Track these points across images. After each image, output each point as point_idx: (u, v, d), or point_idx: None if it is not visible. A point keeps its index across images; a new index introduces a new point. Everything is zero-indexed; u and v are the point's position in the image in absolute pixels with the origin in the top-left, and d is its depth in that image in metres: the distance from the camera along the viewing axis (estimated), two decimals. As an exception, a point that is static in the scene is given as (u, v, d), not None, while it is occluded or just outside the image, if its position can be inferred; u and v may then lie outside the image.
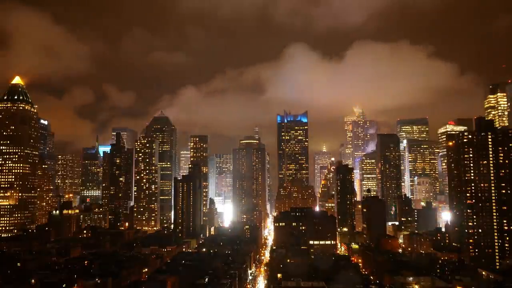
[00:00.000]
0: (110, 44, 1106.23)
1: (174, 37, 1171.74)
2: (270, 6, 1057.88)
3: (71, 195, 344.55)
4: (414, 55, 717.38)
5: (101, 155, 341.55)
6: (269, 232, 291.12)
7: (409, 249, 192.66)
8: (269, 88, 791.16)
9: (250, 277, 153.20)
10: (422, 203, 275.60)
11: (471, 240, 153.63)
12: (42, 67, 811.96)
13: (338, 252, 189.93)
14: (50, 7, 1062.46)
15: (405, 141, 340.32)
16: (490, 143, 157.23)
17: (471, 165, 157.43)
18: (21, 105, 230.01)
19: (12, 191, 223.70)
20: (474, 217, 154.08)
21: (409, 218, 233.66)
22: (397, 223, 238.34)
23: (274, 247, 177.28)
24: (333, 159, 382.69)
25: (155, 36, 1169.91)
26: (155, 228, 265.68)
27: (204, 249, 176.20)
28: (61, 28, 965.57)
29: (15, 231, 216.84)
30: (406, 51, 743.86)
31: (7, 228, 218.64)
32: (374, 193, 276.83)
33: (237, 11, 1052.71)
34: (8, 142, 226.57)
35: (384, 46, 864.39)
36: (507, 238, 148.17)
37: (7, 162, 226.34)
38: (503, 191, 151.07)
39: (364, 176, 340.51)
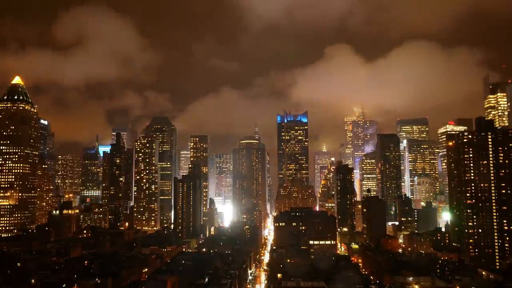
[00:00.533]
0: (176, 52, 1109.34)
1: (239, 46, 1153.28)
2: (350, 17, 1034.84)
3: (71, 195, 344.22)
4: (463, 61, 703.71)
5: (101, 155, 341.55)
6: (269, 232, 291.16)
7: (409, 249, 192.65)
8: (299, 90, 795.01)
9: (250, 277, 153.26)
10: (422, 203, 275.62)
11: (471, 240, 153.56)
12: (109, 70, 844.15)
13: (338, 252, 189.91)
14: (136, 16, 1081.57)
15: (405, 141, 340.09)
16: (490, 143, 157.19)
17: (471, 165, 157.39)
18: (21, 105, 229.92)
19: (12, 191, 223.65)
20: (474, 217, 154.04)
21: (409, 218, 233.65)
22: (397, 223, 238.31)
23: (274, 247, 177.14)
24: (333, 159, 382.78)
25: (221, 45, 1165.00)
26: (155, 228, 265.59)
27: (204, 249, 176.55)
28: (137, 35, 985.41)
29: (15, 231, 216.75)
30: (458, 57, 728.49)
31: (7, 228, 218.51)
32: (374, 193, 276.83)
33: (313, 24, 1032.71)
34: (8, 142, 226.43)
35: (436, 50, 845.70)
36: (507, 238, 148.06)
37: (7, 162, 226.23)
38: (503, 191, 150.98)
39: (364, 176, 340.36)
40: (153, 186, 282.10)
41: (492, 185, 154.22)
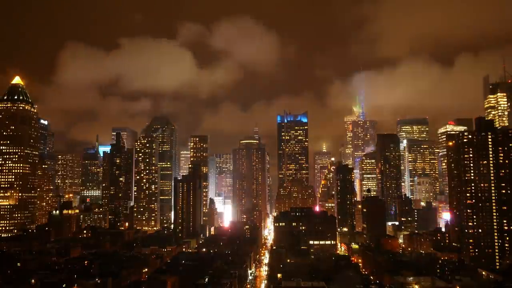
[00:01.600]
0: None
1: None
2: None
3: (71, 195, 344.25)
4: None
5: (101, 155, 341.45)
6: (269, 232, 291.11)
7: (409, 249, 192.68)
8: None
9: (250, 277, 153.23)
10: (422, 203, 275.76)
11: (471, 240, 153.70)
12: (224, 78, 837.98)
13: (338, 252, 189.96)
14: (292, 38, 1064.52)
15: (405, 141, 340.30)
16: (490, 143, 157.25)
17: (471, 165, 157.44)
18: (21, 105, 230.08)
19: (12, 191, 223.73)
20: (474, 217, 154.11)
21: (409, 218, 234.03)
22: (397, 223, 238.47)
23: (274, 247, 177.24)
24: (333, 159, 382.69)
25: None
26: (155, 228, 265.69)
27: (204, 249, 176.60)
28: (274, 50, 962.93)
29: (15, 231, 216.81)
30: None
31: (7, 228, 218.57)
32: (374, 193, 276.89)
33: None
34: (8, 142, 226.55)
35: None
36: (507, 238, 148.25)
37: (7, 162, 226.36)
38: (503, 191, 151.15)
39: (364, 176, 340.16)
40: (153, 186, 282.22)
41: (492, 185, 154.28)
